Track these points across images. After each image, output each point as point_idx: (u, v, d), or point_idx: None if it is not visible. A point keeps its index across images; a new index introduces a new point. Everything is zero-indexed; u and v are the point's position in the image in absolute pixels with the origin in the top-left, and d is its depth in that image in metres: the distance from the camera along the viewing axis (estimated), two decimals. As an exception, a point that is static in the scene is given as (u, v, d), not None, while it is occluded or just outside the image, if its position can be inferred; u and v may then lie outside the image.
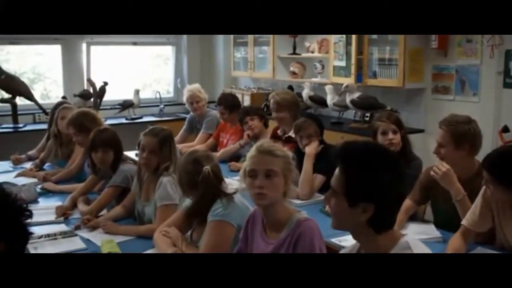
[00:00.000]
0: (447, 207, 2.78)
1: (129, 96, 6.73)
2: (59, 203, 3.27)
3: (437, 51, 4.81)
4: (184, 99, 5.24)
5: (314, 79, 5.95)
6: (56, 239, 2.70)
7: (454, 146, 2.67)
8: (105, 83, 6.47)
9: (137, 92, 6.66)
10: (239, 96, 5.82)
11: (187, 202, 2.61)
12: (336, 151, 1.52)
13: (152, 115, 7.00)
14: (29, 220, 1.77)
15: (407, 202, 2.80)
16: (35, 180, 3.77)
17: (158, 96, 7.13)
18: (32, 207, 2.45)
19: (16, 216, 1.71)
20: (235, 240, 2.31)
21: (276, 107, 4.14)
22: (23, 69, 6.64)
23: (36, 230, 2.32)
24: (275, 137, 4.20)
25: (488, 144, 3.42)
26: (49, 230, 2.78)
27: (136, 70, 7.37)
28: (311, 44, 6.00)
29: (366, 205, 1.47)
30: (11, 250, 1.69)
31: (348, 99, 5.10)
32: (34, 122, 6.35)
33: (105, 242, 2.57)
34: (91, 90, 6.50)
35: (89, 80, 6.45)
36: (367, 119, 5.35)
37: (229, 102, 4.82)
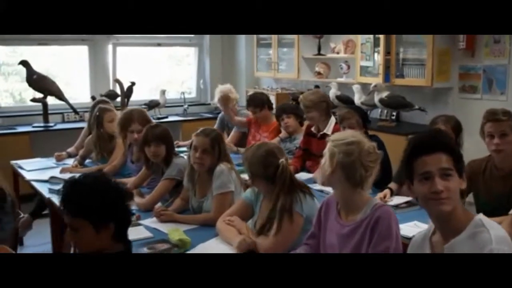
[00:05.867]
0: (489, 198, 2.90)
1: (150, 95, 6.93)
2: (111, 196, 3.40)
3: (464, 52, 4.94)
4: (216, 99, 5.37)
5: (339, 79, 6.08)
6: (122, 228, 2.83)
7: None
8: (133, 83, 6.61)
9: (163, 92, 6.81)
10: (265, 97, 5.95)
11: (248, 193, 2.75)
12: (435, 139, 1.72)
13: (177, 115, 7.14)
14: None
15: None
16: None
17: (182, 96, 7.28)
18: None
19: (122, 198, 1.85)
20: (303, 230, 2.45)
21: (304, 108, 4.25)
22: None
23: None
24: (309, 134, 4.32)
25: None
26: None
27: (152, 71, 7.49)
28: (337, 45, 6.14)
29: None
30: (119, 231, 1.82)
31: (376, 98, 5.24)
32: (63, 121, 6.51)
33: (172, 230, 2.68)
34: (117, 90, 6.64)
35: (117, 80, 6.58)
36: (393, 117, 5.50)
37: (257, 100, 4.94)
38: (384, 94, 5.20)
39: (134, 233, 2.76)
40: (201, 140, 2.98)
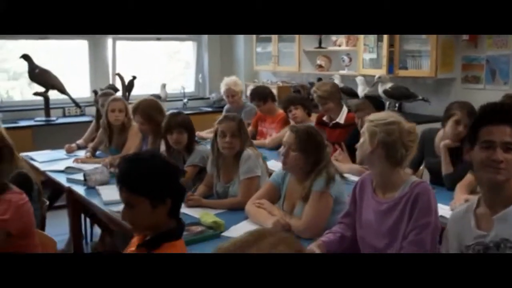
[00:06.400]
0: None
1: (150, 90, 6.92)
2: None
3: (467, 43, 5.05)
4: (222, 91, 5.45)
5: (341, 72, 6.15)
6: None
7: None
8: (134, 77, 6.62)
9: (163, 86, 6.84)
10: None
11: (275, 176, 2.81)
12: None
13: (177, 108, 7.14)
14: None
15: (469, 177, 3.00)
16: (99, 165, 3.92)
17: (182, 91, 7.31)
18: (109, 187, 2.61)
19: (176, 175, 1.89)
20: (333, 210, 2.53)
21: (320, 100, 4.32)
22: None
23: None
24: (320, 123, 4.39)
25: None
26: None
27: (150, 66, 7.51)
28: (338, 38, 6.22)
29: None
30: (175, 207, 1.86)
31: (380, 89, 5.32)
32: (64, 116, 6.49)
33: (203, 214, 2.73)
34: (116, 84, 6.63)
35: (118, 75, 6.58)
36: (396, 109, 5.58)
37: (261, 94, 5.02)
38: (388, 85, 5.28)
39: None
40: (228, 125, 3.03)
